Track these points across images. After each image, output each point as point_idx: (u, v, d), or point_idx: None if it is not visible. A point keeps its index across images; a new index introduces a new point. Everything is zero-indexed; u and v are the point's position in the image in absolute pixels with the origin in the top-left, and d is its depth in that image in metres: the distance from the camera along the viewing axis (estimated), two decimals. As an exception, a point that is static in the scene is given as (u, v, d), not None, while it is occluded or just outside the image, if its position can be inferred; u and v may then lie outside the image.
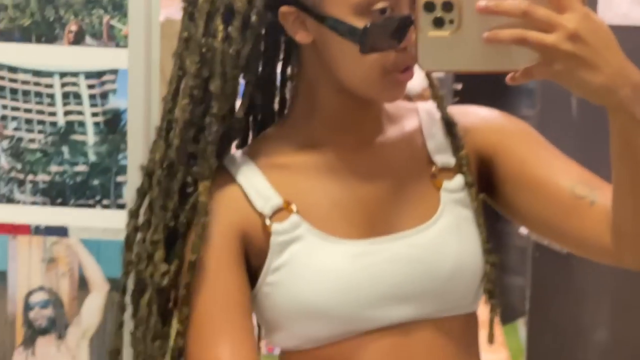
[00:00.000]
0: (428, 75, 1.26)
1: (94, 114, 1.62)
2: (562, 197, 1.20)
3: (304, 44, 1.18)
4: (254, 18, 1.16)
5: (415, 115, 1.28)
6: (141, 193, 1.21)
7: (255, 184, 1.20)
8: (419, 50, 1.03)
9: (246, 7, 1.16)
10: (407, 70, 1.15)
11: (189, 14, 1.18)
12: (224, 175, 1.20)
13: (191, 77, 1.17)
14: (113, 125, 1.62)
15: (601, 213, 1.16)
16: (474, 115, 1.29)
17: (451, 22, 1.02)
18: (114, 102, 1.62)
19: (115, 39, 1.60)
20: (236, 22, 1.16)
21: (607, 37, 1.02)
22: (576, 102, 2.40)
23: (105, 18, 1.59)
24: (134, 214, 1.21)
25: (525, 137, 1.26)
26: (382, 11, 1.12)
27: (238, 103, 1.22)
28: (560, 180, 1.21)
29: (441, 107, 1.27)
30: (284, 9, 1.16)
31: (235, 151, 1.26)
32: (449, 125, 1.26)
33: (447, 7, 1.02)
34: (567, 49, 0.99)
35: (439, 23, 1.02)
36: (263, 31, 1.21)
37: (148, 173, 1.20)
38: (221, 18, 1.16)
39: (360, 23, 1.11)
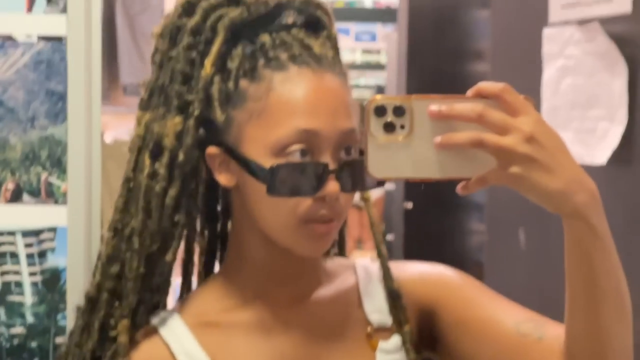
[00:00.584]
0: (375, 236, 1.24)
1: (32, 274, 1.56)
2: (508, 337, 1.17)
3: (229, 187, 1.16)
4: (181, 157, 1.14)
5: (353, 272, 1.25)
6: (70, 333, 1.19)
7: (184, 344, 1.15)
8: (369, 157, 0.99)
9: (174, 145, 1.14)
10: (328, 222, 1.11)
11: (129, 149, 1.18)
12: (151, 334, 1.16)
13: (117, 211, 1.17)
14: (52, 285, 1.56)
15: (550, 347, 1.12)
16: (413, 270, 1.26)
17: (402, 127, 0.99)
18: (52, 261, 1.57)
19: (53, 196, 1.56)
20: (164, 159, 1.14)
21: (560, 142, 0.99)
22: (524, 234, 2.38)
23: (44, 175, 1.55)
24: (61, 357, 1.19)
25: (465, 284, 1.23)
26: (302, 154, 1.09)
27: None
28: (505, 321, 1.18)
29: (383, 266, 1.23)
30: (210, 149, 1.15)
31: (165, 309, 1.21)
32: (388, 285, 1.22)
33: (399, 111, 0.98)
34: (524, 151, 0.96)
35: (389, 128, 0.99)
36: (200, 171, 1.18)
37: (77, 310, 1.19)
38: (149, 154, 1.15)
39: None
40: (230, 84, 1.13)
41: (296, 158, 1.09)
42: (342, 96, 1.13)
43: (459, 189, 1.01)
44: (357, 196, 1.25)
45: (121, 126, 5.62)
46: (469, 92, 1.00)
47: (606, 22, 2.04)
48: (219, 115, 1.13)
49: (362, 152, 1.16)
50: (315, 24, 1.18)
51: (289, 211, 1.10)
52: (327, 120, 1.10)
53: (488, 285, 2.33)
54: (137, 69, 5.39)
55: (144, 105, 1.18)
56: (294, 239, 1.13)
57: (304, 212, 1.10)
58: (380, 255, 1.23)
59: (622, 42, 2.00)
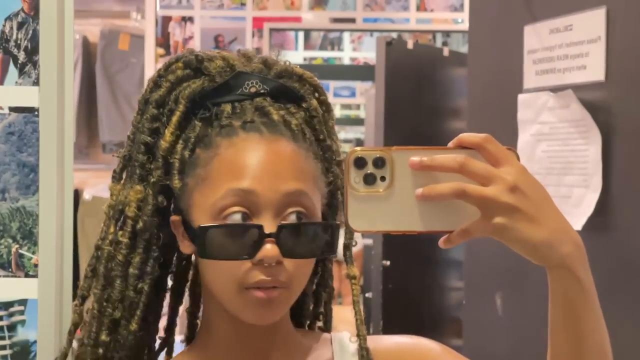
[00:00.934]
0: (356, 310, 1.22)
1: (1, 347, 1.54)
2: None
3: (188, 255, 1.16)
4: (140, 224, 1.14)
5: (328, 346, 1.23)
6: None
7: None
8: (349, 209, 0.97)
9: (136, 213, 1.14)
10: (270, 288, 1.08)
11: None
12: None
13: (84, 278, 1.19)
14: (21, 358, 1.54)
15: None
16: (389, 342, 1.24)
17: (383, 178, 0.97)
18: (22, 334, 1.54)
19: (24, 269, 1.54)
20: (126, 227, 1.15)
21: (544, 193, 0.97)
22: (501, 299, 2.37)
23: (14, 247, 1.53)
24: None
25: (443, 356, 1.21)
26: (243, 218, 1.08)
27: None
28: None
29: (362, 348, 1.20)
30: (173, 218, 1.15)
31: None
32: (364, 353, 1.19)
33: (379, 163, 0.97)
34: (508, 201, 0.94)
35: (370, 180, 0.97)
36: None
37: None
38: (114, 222, 1.17)
39: None
40: (187, 152, 1.13)
41: (235, 220, 1.08)
42: (291, 160, 1.11)
43: (441, 242, 0.99)
44: (340, 252, 1.24)
45: (100, 183, 5.62)
46: (450, 143, 0.98)
47: (580, 90, 2.05)
48: (176, 183, 1.13)
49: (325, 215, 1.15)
50: (287, 94, 1.17)
51: (228, 276, 1.09)
52: (266, 181, 1.08)
53: (467, 347, 2.32)
54: (117, 126, 5.39)
55: (116, 177, 1.20)
56: (237, 305, 1.11)
57: (242, 276, 1.08)
58: (359, 335, 1.20)
59: (596, 109, 2.01)
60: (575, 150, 2.06)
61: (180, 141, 1.14)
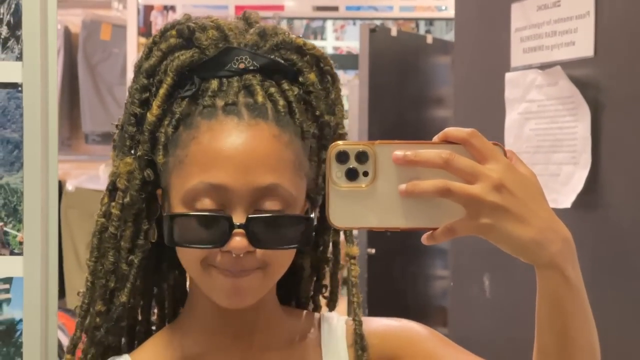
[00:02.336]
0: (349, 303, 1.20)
1: (-13, 326, 1.51)
2: None
3: None
4: (127, 198, 1.13)
5: (316, 326, 1.21)
6: None
7: None
8: (330, 205, 0.94)
9: (125, 185, 1.13)
10: (239, 276, 1.06)
11: None
12: None
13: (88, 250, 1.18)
14: (7, 337, 1.51)
15: None
16: (377, 324, 1.22)
17: (365, 174, 0.94)
18: (8, 313, 1.52)
19: (9, 246, 1.51)
20: (118, 199, 1.14)
21: (533, 189, 0.95)
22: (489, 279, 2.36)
23: (-1, 225, 1.51)
24: None
25: (430, 339, 1.20)
26: (211, 210, 1.05)
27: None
28: None
29: (357, 334, 1.18)
30: (159, 191, 1.14)
31: (121, 357, 1.19)
32: (359, 349, 1.18)
33: (361, 157, 0.94)
34: (494, 200, 0.91)
35: (352, 175, 0.94)
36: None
37: None
38: (108, 194, 1.16)
39: None
40: (170, 129, 1.11)
41: (206, 211, 1.05)
42: (268, 149, 1.07)
43: (424, 239, 0.96)
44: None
45: (83, 174, 5.58)
46: (435, 138, 0.96)
47: (569, 66, 2.04)
48: (160, 158, 1.11)
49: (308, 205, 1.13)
50: (281, 70, 1.13)
51: (194, 256, 1.07)
52: (239, 175, 1.04)
53: (453, 331, 2.31)
54: (99, 117, 5.35)
55: (114, 145, 1.18)
56: (207, 287, 1.09)
57: (209, 257, 1.07)
58: (355, 320, 1.19)
59: (585, 86, 2.00)
60: (564, 127, 2.05)
61: (168, 115, 1.12)
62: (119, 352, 1.21)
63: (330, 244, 1.24)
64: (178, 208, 1.07)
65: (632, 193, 1.92)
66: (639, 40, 1.90)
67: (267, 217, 1.05)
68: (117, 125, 1.18)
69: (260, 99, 1.09)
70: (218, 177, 1.04)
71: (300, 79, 1.13)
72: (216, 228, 1.05)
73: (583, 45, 2.00)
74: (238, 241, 1.04)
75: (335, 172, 0.94)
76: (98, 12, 5.51)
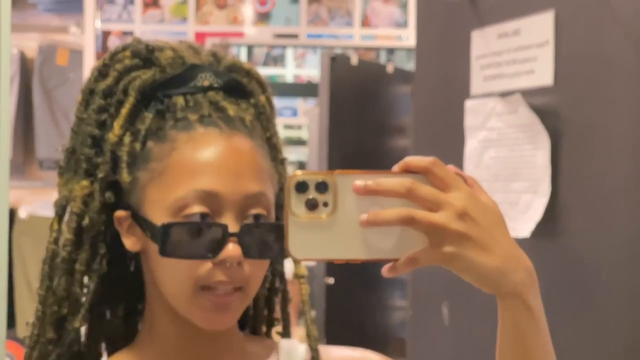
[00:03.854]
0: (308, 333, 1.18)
1: None
2: None
3: (134, 251, 1.12)
4: (86, 220, 1.11)
5: (274, 354, 1.20)
6: None
7: None
8: (290, 237, 0.91)
9: (81, 209, 1.11)
10: (227, 294, 1.06)
11: None
12: None
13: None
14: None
15: None
16: (337, 353, 1.21)
17: (325, 204, 0.91)
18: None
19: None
20: (71, 223, 1.11)
21: (496, 217, 0.93)
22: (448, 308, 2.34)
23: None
24: None
25: None
26: (203, 217, 1.04)
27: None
28: None
29: (313, 350, 1.18)
30: (118, 213, 1.11)
31: None
32: (314, 354, 1.17)
33: (321, 187, 0.91)
34: (457, 228, 0.89)
35: (312, 205, 0.91)
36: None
37: None
38: (58, 219, 1.13)
39: None
40: (138, 145, 1.10)
41: (196, 220, 1.05)
42: (250, 158, 1.09)
43: (385, 270, 0.93)
44: (289, 271, 1.20)
45: (36, 201, 5.51)
46: (396, 167, 0.94)
47: (528, 94, 2.04)
48: (125, 176, 1.10)
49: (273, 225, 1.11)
50: (239, 90, 1.15)
51: (186, 276, 1.05)
52: (229, 182, 1.06)
53: (413, 356, 2.28)
54: (54, 143, 5.29)
55: (61, 171, 1.16)
56: (191, 308, 1.07)
57: (201, 277, 1.05)
58: (309, 336, 1.18)
59: (544, 114, 2.00)
60: (524, 155, 2.04)
61: (129, 133, 1.11)
62: None
63: (278, 275, 1.24)
64: (163, 220, 1.06)
65: (591, 222, 1.91)
66: (597, 69, 1.90)
67: (259, 224, 1.07)
68: (65, 150, 1.16)
69: (232, 112, 1.11)
70: (209, 183, 1.05)
71: (252, 100, 1.16)
72: (210, 237, 1.04)
73: (542, 74, 2.00)
74: (232, 249, 1.04)
75: (295, 203, 0.92)
76: (55, 37, 5.47)
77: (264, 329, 1.26)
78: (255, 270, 1.08)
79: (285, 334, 1.26)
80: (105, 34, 5.38)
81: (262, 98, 1.17)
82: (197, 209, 1.05)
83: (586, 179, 1.92)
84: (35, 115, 5.37)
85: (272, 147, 1.16)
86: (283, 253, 1.08)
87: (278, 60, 7.76)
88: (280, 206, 1.15)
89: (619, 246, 1.84)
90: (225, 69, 1.15)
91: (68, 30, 5.46)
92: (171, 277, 1.07)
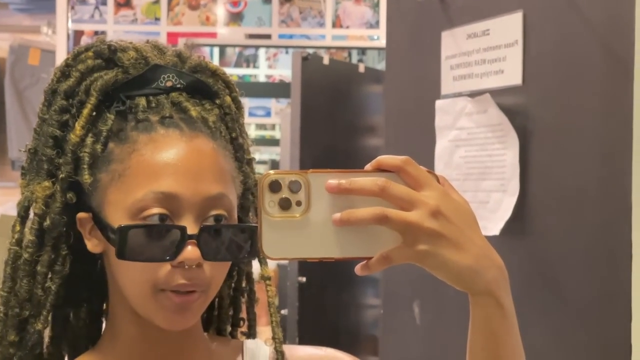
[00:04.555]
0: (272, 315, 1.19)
1: None
2: None
3: (96, 253, 1.11)
4: (47, 222, 1.10)
5: (239, 353, 1.20)
6: None
7: None
8: (263, 236, 0.91)
9: (43, 210, 1.10)
10: (187, 294, 1.05)
11: None
12: None
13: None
14: None
15: None
16: (302, 352, 1.22)
17: (299, 203, 0.91)
18: None
19: None
20: (33, 224, 1.10)
21: (468, 216, 0.94)
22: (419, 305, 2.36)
23: None
24: None
25: None
26: (162, 219, 1.04)
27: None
28: None
29: (278, 352, 1.18)
30: (80, 215, 1.10)
31: None
32: (279, 357, 1.17)
33: (294, 187, 0.91)
34: (431, 226, 0.90)
35: (285, 205, 0.91)
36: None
37: None
38: (20, 220, 1.12)
39: None
40: (99, 147, 1.09)
41: (154, 222, 1.04)
42: (211, 160, 1.08)
43: (358, 269, 0.94)
44: (257, 271, 1.21)
45: (8, 201, 5.48)
46: (369, 166, 0.94)
47: (498, 94, 2.06)
48: (86, 178, 1.09)
49: (237, 225, 1.11)
50: (203, 90, 1.14)
51: (143, 278, 1.05)
52: (188, 183, 1.05)
53: (384, 355, 2.29)
54: (26, 142, 5.27)
55: (23, 172, 1.15)
56: (151, 309, 1.06)
57: (161, 279, 1.04)
58: (275, 339, 1.18)
59: (514, 114, 2.02)
60: (493, 155, 2.06)
61: (90, 134, 1.10)
62: None
63: (244, 275, 1.24)
64: (122, 222, 1.05)
65: (560, 220, 1.93)
66: (566, 69, 1.92)
67: (219, 226, 1.06)
68: (28, 150, 1.15)
69: (194, 113, 1.10)
70: (168, 185, 1.04)
71: (217, 101, 1.15)
72: (169, 239, 1.03)
73: (511, 74, 2.02)
74: (191, 251, 1.03)
75: (268, 202, 0.92)
76: (27, 36, 5.44)
77: (228, 329, 1.26)
78: (216, 272, 1.08)
79: (251, 334, 1.25)
80: (78, 34, 5.36)
81: (228, 99, 1.16)
82: (155, 210, 1.03)
83: (555, 178, 1.94)
84: (7, 115, 5.35)
85: (238, 147, 1.16)
86: (245, 255, 1.08)
87: (250, 61, 7.76)
88: (243, 207, 1.17)
89: (588, 244, 1.86)
90: (190, 69, 1.14)
91: (40, 30, 5.43)
92: (131, 279, 1.07)
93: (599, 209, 1.84)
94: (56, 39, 5.27)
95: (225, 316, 1.25)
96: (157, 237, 1.03)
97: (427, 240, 0.91)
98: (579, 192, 1.88)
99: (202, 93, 1.14)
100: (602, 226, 1.83)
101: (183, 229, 1.03)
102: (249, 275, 1.25)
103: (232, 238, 1.06)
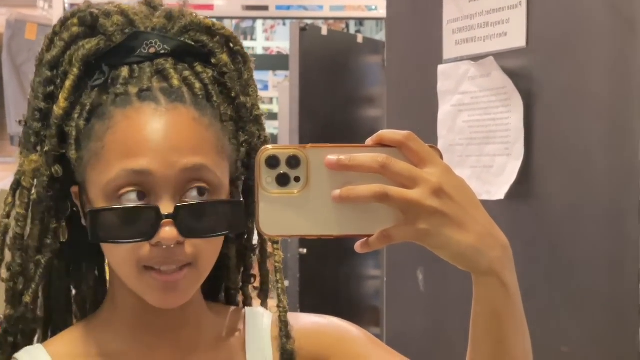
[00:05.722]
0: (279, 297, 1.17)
1: None
2: None
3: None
4: (34, 195, 1.08)
5: (241, 321, 1.18)
6: None
7: None
8: (260, 212, 0.90)
9: (31, 183, 1.08)
10: (175, 272, 1.02)
11: None
12: None
13: None
14: None
15: None
16: (305, 322, 1.19)
17: (297, 179, 0.90)
18: None
19: None
20: (23, 198, 1.09)
21: (470, 194, 0.92)
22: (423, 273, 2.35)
23: None
24: None
25: (359, 338, 1.17)
26: (140, 198, 1.00)
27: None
28: None
29: (282, 321, 1.17)
30: (74, 189, 1.08)
31: (33, 346, 1.14)
32: (284, 343, 1.16)
33: (293, 162, 0.90)
34: (433, 204, 0.88)
35: (283, 181, 0.90)
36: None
37: None
38: (12, 193, 1.10)
39: None
40: (82, 122, 1.06)
41: (131, 202, 1.01)
42: (189, 132, 1.03)
43: (357, 246, 0.92)
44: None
45: (8, 177, 5.47)
46: (370, 140, 0.92)
47: (501, 57, 2.04)
48: (72, 153, 1.06)
49: (228, 199, 1.08)
50: (192, 52, 1.09)
51: (127, 257, 1.02)
52: (162, 159, 1.00)
53: (388, 328, 2.29)
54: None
55: (21, 145, 1.12)
56: (140, 288, 1.05)
57: (143, 257, 1.02)
58: (280, 307, 1.17)
59: (518, 77, 2.00)
60: (497, 118, 2.04)
61: (77, 107, 1.07)
62: None
63: (255, 231, 1.21)
64: (100, 202, 1.02)
65: (565, 183, 1.92)
66: (570, 31, 1.90)
67: (196, 204, 1.01)
68: (21, 122, 1.13)
69: (175, 82, 1.05)
70: (140, 163, 1.00)
71: (213, 60, 1.10)
72: (143, 220, 1.00)
73: (515, 36, 2.00)
74: (167, 232, 1.00)
75: (265, 178, 0.90)
76: (23, 11, 5.41)
77: (240, 296, 1.24)
78: (205, 244, 1.04)
79: (263, 291, 1.24)
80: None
81: (224, 57, 1.10)
82: (129, 188, 1.00)
83: (560, 141, 1.93)
84: (5, 90, 5.33)
85: (240, 106, 1.11)
86: (229, 228, 1.05)
87: (248, 33, 7.73)
88: (236, 178, 1.12)
89: (595, 207, 1.85)
90: (180, 30, 1.09)
91: (36, 5, 5.40)
92: (114, 258, 1.05)
93: (605, 171, 1.83)
94: (52, 12, 5.24)
95: (234, 276, 1.23)
96: (131, 219, 1.00)
97: (429, 219, 0.89)
98: (585, 154, 1.87)
99: (193, 55, 1.09)
100: (608, 187, 1.82)
101: (157, 209, 1.00)
102: (249, 247, 1.23)
103: (213, 213, 1.03)
